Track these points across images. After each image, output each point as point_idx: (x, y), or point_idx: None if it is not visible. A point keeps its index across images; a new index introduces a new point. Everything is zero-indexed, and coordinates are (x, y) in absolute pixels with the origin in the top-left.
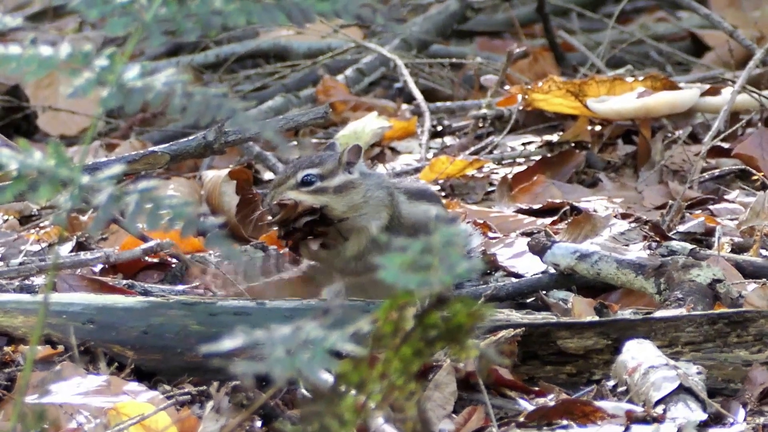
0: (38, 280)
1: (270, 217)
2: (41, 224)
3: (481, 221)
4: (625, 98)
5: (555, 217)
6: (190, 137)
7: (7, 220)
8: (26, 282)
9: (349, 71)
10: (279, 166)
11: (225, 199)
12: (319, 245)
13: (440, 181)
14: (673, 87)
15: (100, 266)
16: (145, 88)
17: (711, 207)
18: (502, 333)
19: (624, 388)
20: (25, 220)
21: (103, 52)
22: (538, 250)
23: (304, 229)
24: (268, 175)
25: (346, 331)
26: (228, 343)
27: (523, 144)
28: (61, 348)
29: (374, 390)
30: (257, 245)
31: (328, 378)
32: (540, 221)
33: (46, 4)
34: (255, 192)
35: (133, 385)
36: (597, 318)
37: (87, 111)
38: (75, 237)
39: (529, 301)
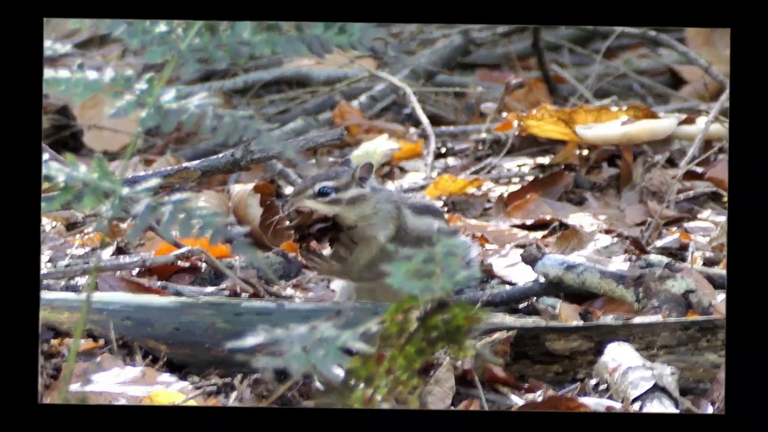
0: (82, 281)
1: (287, 222)
2: (85, 230)
3: (479, 234)
4: (610, 126)
5: (545, 232)
6: (220, 155)
7: (55, 226)
8: (71, 282)
9: (363, 97)
10: (299, 182)
11: (250, 210)
12: (332, 255)
13: (443, 198)
14: (654, 116)
15: (137, 269)
16: (180, 110)
17: (685, 225)
18: (497, 335)
19: (605, 386)
20: (71, 226)
21: (143, 77)
22: (530, 260)
23: (316, 235)
24: (289, 190)
25: (356, 331)
26: (251, 340)
27: (518, 165)
28: (101, 342)
29: (381, 384)
30: (278, 252)
31: (339, 373)
32: (532, 235)
33: (93, 33)
34: (277, 204)
35: (166, 376)
36: (582, 323)
37: (128, 129)
38: (115, 242)
39: (521, 306)
